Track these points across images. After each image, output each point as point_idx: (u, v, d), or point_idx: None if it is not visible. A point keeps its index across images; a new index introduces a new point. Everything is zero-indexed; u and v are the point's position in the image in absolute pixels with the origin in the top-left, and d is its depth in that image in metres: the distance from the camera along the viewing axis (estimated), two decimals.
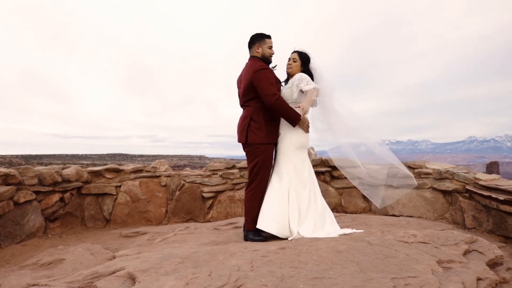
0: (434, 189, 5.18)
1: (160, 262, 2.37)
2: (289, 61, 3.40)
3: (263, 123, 3.20)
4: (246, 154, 3.33)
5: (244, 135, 3.22)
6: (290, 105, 3.18)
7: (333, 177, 5.87)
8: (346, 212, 5.53)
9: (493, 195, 4.05)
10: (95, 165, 11.69)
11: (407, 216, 5.18)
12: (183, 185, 5.75)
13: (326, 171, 5.79)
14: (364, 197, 5.84)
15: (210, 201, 5.75)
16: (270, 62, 3.34)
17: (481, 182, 4.46)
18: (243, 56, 3.45)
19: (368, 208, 5.77)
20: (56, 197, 4.96)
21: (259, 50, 3.27)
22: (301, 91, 3.22)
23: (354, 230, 3.21)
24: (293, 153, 3.24)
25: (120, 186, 5.65)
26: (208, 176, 5.81)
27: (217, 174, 5.82)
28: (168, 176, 5.81)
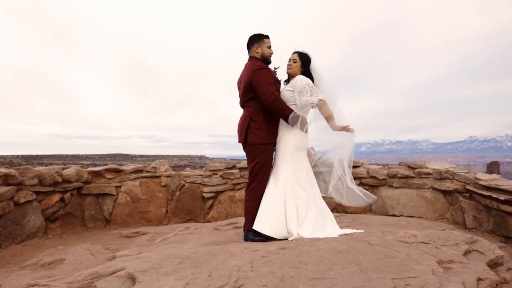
0: (435, 189, 5.18)
1: (160, 262, 2.37)
2: (289, 61, 3.39)
3: (262, 123, 3.20)
4: (246, 154, 3.34)
5: (244, 135, 3.23)
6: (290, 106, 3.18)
7: None
8: (347, 212, 5.53)
9: (494, 195, 4.05)
10: (95, 165, 11.69)
11: (407, 216, 5.18)
12: (183, 185, 5.75)
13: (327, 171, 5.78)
14: None
15: (210, 201, 5.75)
16: (269, 62, 3.34)
17: (481, 182, 4.46)
18: (243, 56, 3.45)
19: (369, 208, 5.77)
20: (56, 197, 4.96)
21: (258, 51, 3.27)
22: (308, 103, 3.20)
23: (354, 230, 3.20)
24: (291, 154, 3.23)
25: (120, 186, 5.65)
26: (208, 176, 5.81)
27: (217, 174, 5.82)
28: (168, 176, 5.81)
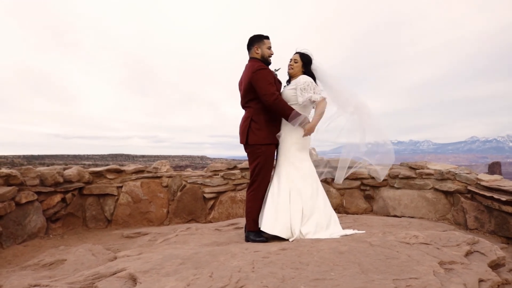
0: (436, 189, 5.17)
1: (161, 263, 2.37)
2: (290, 62, 3.39)
3: (263, 124, 3.20)
4: (247, 155, 3.34)
5: (245, 136, 3.23)
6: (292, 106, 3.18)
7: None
8: (348, 213, 5.53)
9: (495, 196, 4.04)
10: (97, 165, 11.70)
11: (408, 217, 5.17)
12: (185, 185, 5.75)
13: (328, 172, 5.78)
14: (366, 198, 5.84)
15: (211, 202, 5.75)
16: (269, 63, 3.34)
17: (483, 183, 4.45)
18: (243, 56, 3.45)
19: (370, 209, 5.76)
20: (57, 197, 4.97)
21: (258, 51, 3.28)
22: (310, 100, 3.18)
23: (356, 231, 3.20)
24: (293, 154, 3.24)
25: (121, 186, 5.66)
26: (210, 176, 5.81)
27: (218, 174, 5.82)
28: (170, 176, 5.81)
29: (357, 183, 5.79)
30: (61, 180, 5.02)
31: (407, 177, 5.43)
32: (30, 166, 4.81)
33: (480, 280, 1.91)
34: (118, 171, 5.73)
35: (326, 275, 1.95)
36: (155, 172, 5.84)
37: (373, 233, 3.05)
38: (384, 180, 5.58)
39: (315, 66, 3.38)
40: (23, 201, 4.34)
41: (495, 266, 2.20)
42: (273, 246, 2.65)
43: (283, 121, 3.30)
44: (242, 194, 5.65)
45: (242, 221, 4.21)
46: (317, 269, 2.04)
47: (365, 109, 3.28)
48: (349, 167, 3.51)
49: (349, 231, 3.17)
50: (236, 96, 3.55)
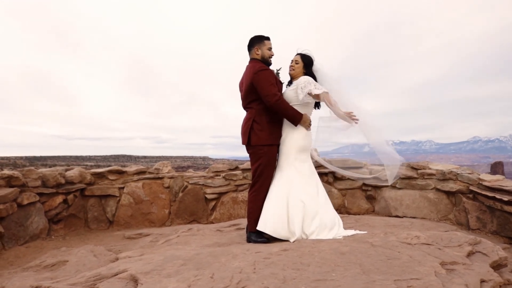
0: (438, 190, 5.15)
1: (162, 264, 2.37)
2: (291, 63, 3.39)
3: (265, 125, 3.20)
4: (249, 156, 3.33)
5: (247, 137, 3.23)
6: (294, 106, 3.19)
7: (336, 178, 5.85)
8: (349, 213, 5.52)
9: (497, 196, 4.03)
10: (98, 166, 11.73)
11: (410, 217, 5.16)
12: (186, 186, 5.76)
13: (329, 172, 5.77)
14: (367, 198, 5.83)
15: (213, 203, 5.75)
16: (270, 63, 3.33)
17: (485, 183, 4.43)
18: (243, 56, 3.45)
19: (372, 209, 5.75)
20: (59, 198, 4.99)
21: (259, 52, 3.27)
22: (310, 94, 3.18)
23: (357, 232, 3.19)
24: (294, 155, 3.23)
25: (123, 187, 5.67)
26: (211, 177, 5.82)
27: (220, 175, 5.83)
28: (171, 177, 5.82)
29: (359, 183, 5.79)
30: (63, 181, 5.04)
31: (409, 177, 5.42)
32: (32, 168, 4.83)
33: (482, 281, 1.90)
34: (120, 172, 5.75)
35: (327, 275, 1.94)
36: (157, 173, 5.84)
37: (375, 233, 3.04)
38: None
39: (317, 67, 3.38)
40: (25, 202, 4.35)
41: (497, 266, 2.19)
42: (274, 247, 2.65)
43: (285, 121, 3.30)
44: (243, 195, 5.65)
45: (244, 222, 4.21)
46: (318, 270, 2.04)
47: (367, 112, 3.28)
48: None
49: (350, 232, 3.16)
50: (236, 96, 3.56)
